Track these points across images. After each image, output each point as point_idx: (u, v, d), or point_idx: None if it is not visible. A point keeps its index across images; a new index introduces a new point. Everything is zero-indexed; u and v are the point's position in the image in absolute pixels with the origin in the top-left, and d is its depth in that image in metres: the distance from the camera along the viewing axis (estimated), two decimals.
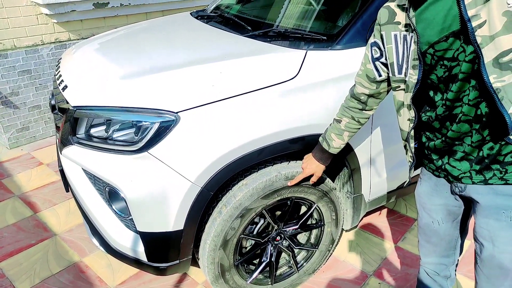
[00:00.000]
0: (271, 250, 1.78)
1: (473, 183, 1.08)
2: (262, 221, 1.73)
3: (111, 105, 1.48)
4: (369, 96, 1.28)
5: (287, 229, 1.78)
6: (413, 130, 1.13)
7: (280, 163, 1.63)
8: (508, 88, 0.89)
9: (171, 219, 1.43)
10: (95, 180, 1.56)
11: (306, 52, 1.60)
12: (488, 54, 0.89)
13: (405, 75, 1.09)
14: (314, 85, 1.55)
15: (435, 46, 0.99)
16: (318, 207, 1.76)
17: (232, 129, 1.43)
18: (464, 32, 0.92)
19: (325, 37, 1.69)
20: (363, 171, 1.80)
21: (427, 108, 1.10)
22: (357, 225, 2.07)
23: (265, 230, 1.77)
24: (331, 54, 1.61)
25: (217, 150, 1.41)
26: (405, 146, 1.22)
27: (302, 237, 1.93)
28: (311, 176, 1.55)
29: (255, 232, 1.72)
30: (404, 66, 1.09)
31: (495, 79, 0.90)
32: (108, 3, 3.40)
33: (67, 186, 1.82)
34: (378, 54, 1.18)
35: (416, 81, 1.05)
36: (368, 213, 2.38)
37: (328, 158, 1.46)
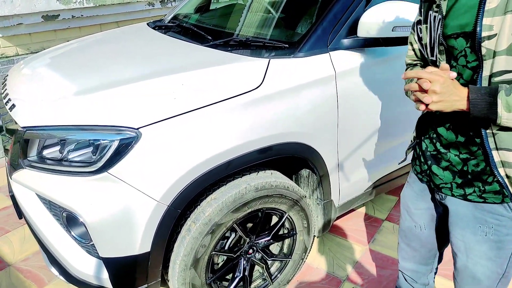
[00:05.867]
0: (244, 264, 1.73)
1: (453, 195, 1.07)
2: (233, 235, 1.67)
3: (65, 124, 1.38)
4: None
5: (259, 241, 1.74)
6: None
7: (249, 174, 1.59)
8: None
9: (137, 241, 1.35)
10: (50, 205, 1.45)
11: (269, 61, 1.58)
12: (487, 68, 0.88)
13: (436, 59, 1.02)
14: (279, 94, 1.52)
15: (447, 41, 0.95)
16: (290, 216, 1.74)
17: (197, 143, 1.37)
18: (472, 37, 0.89)
19: (287, 45, 1.68)
20: (332, 177, 1.80)
21: None
22: (328, 230, 2.08)
23: (236, 244, 1.71)
24: (294, 61, 1.60)
25: (182, 166, 1.35)
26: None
27: (274, 248, 1.90)
28: None
29: (226, 247, 1.67)
30: (435, 50, 1.01)
31: None
32: (59, 15, 3.24)
33: (19, 212, 1.68)
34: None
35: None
36: (338, 217, 2.39)
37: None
